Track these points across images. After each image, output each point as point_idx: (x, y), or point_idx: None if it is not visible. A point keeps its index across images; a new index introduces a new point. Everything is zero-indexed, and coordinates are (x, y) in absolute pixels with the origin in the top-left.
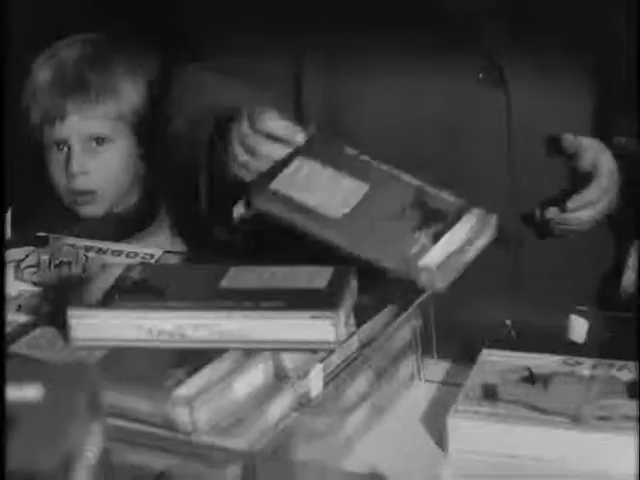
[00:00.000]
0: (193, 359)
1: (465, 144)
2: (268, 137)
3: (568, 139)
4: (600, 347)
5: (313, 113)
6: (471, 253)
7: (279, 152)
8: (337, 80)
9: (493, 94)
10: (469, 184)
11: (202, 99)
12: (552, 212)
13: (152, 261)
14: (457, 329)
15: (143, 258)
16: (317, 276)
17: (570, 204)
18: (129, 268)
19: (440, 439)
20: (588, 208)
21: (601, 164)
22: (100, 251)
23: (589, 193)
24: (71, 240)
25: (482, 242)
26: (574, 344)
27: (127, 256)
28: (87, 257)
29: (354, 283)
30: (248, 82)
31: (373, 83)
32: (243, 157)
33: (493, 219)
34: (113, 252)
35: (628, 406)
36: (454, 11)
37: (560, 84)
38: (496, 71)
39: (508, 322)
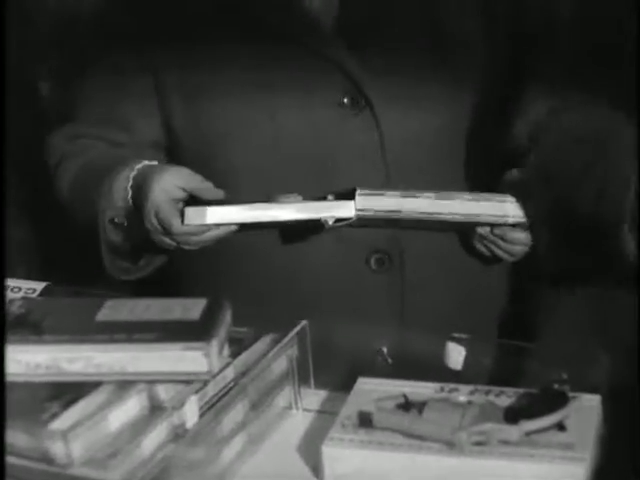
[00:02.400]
0: (69, 392)
1: (339, 171)
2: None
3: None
4: (477, 374)
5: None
6: None
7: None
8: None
9: (361, 118)
10: None
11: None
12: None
13: (34, 295)
14: (334, 358)
15: (26, 292)
16: (191, 308)
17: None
18: (11, 302)
19: (317, 467)
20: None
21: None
22: None
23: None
24: None
25: None
26: (451, 371)
27: (11, 290)
28: None
29: (228, 314)
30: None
31: (238, 118)
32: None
33: None
34: None
35: (505, 431)
36: (314, 42)
37: (426, 102)
38: (360, 95)
39: (383, 349)
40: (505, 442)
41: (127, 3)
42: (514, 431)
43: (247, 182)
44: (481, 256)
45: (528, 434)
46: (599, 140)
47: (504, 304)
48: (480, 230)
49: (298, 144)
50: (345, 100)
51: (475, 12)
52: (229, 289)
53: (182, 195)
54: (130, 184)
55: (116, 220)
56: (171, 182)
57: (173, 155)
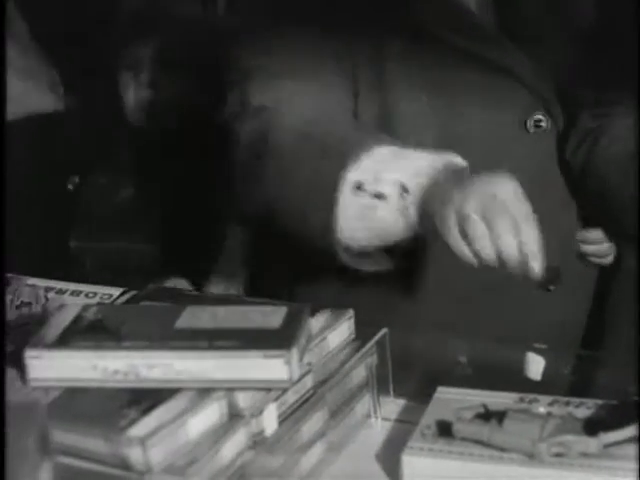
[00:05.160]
0: (147, 398)
1: None
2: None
3: None
4: (557, 385)
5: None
6: None
7: None
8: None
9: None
10: None
11: None
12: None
13: (110, 301)
14: (414, 367)
15: (101, 298)
16: (271, 315)
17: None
18: (86, 308)
19: (396, 477)
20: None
21: None
22: (60, 291)
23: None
24: (31, 280)
25: None
26: (531, 381)
27: (86, 296)
28: (47, 297)
29: (308, 322)
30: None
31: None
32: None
33: None
34: (72, 292)
35: (584, 443)
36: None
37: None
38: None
39: (463, 359)
40: (584, 454)
41: None
42: (593, 443)
43: None
44: None
45: (607, 446)
46: None
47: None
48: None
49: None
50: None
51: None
52: None
53: None
54: None
55: None
56: None
57: None
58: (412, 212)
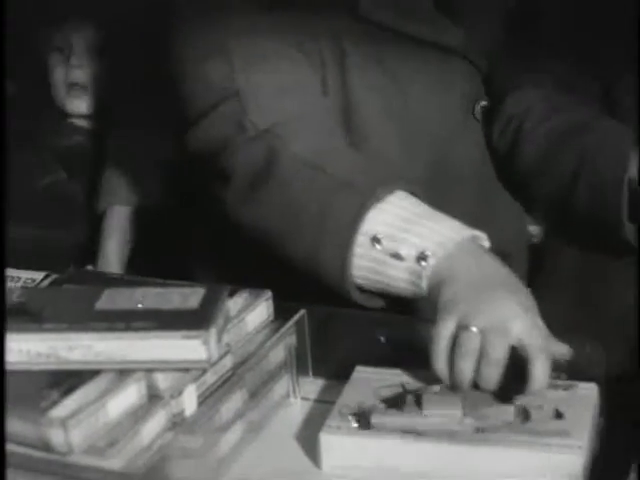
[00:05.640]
0: (68, 380)
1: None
2: None
3: None
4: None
5: None
6: None
7: None
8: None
9: None
10: None
11: None
12: None
13: (33, 285)
14: (332, 347)
15: (25, 282)
16: (190, 296)
17: None
18: (10, 292)
19: (314, 456)
20: None
21: None
22: None
23: None
24: None
25: None
26: None
27: (11, 280)
28: None
29: (227, 302)
30: None
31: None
32: None
33: None
34: None
35: (504, 411)
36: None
37: None
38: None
39: (382, 338)
40: (507, 425)
41: None
42: (510, 410)
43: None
44: None
45: (525, 410)
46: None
47: None
48: None
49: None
50: (475, 103)
51: None
52: None
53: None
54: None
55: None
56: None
57: None
58: (424, 283)
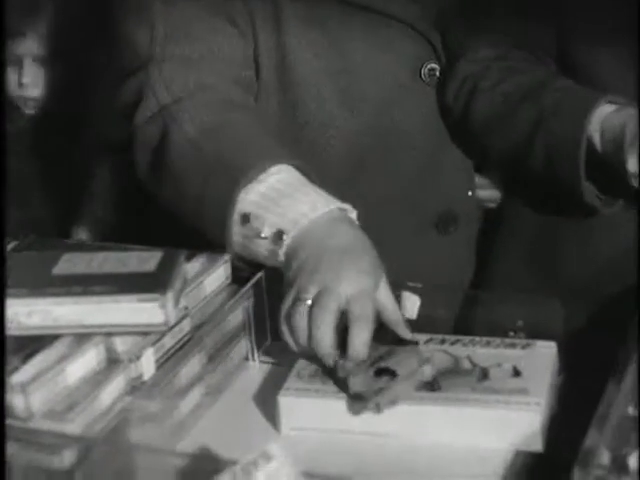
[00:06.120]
0: (28, 346)
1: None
2: None
3: None
4: (431, 323)
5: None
6: None
7: None
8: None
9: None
10: None
11: None
12: None
13: None
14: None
15: None
16: (147, 260)
17: None
18: None
19: (274, 418)
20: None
21: None
22: None
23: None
24: None
25: None
26: (407, 320)
27: None
28: None
29: (184, 265)
30: None
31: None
32: None
33: None
34: None
35: (463, 379)
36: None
37: None
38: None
39: None
40: (466, 383)
41: None
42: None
43: (318, 135)
44: None
45: (483, 369)
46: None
47: None
48: None
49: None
50: (423, 69)
51: None
52: None
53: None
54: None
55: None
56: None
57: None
58: (282, 260)
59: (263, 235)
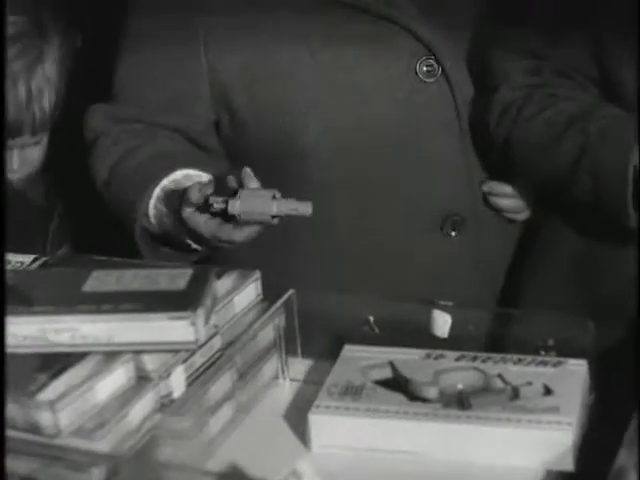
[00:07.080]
0: (56, 363)
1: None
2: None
3: None
4: (462, 341)
5: None
6: None
7: None
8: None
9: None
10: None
11: None
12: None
13: (22, 267)
14: (321, 327)
15: (14, 265)
16: (177, 277)
17: (485, 187)
18: None
19: (304, 436)
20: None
21: None
22: None
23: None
24: None
25: None
26: (437, 339)
27: None
28: None
29: (215, 283)
30: None
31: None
32: None
33: None
34: None
35: (494, 398)
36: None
37: None
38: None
39: (370, 318)
40: (497, 402)
41: None
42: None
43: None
44: None
45: (514, 387)
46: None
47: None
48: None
49: (374, 110)
50: (419, 66)
51: None
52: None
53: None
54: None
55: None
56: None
57: (238, 135)
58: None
59: None
